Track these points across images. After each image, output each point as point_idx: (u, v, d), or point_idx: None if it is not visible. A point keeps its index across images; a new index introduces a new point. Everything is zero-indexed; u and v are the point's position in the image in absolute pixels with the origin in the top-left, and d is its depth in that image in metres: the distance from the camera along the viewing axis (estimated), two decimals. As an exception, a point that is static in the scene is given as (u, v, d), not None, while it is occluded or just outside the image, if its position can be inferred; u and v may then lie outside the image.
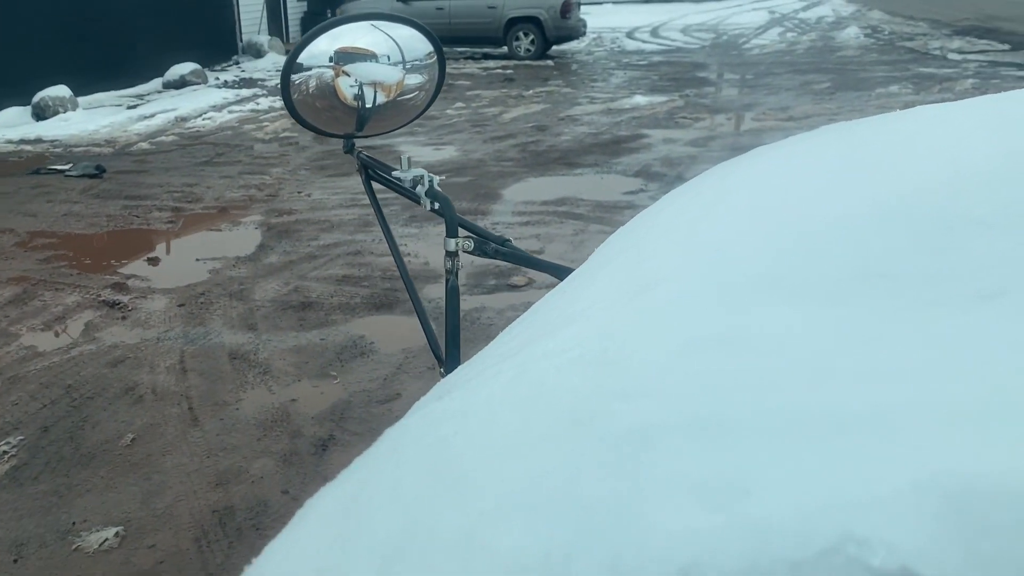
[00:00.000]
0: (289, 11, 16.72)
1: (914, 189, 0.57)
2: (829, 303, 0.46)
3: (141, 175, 7.08)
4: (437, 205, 1.37)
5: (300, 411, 3.25)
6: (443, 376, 1.08)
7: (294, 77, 1.45)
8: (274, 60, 14.31)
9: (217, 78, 12.68)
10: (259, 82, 12.48)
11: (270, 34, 15.53)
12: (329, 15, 16.18)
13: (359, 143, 1.62)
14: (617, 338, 0.49)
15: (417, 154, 7.34)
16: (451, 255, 1.33)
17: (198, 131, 9.04)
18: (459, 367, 0.66)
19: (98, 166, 7.13)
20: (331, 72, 1.46)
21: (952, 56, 13.15)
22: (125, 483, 2.81)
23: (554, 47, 15.31)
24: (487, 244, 1.34)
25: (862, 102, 9.44)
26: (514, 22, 14.67)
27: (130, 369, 3.62)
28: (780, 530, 0.32)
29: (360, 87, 1.47)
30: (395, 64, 1.49)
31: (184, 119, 9.64)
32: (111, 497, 2.73)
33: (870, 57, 13.61)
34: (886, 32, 17.41)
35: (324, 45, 1.44)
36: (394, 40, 1.49)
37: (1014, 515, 0.30)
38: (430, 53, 1.51)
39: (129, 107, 10.39)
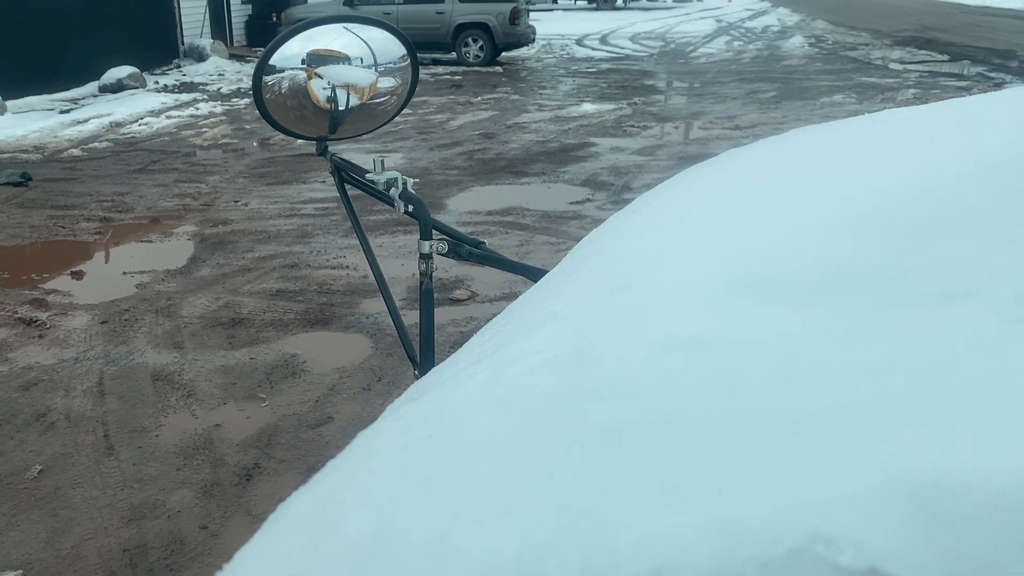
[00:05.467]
0: (233, 14, 16.32)
1: (883, 191, 0.57)
2: (800, 303, 0.46)
3: (70, 183, 6.77)
4: (411, 208, 1.36)
5: (224, 437, 3.07)
6: (418, 378, 1.06)
7: (266, 79, 1.43)
8: (217, 64, 13.95)
9: (157, 82, 12.30)
10: (200, 86, 12.15)
11: (213, 37, 15.14)
12: (274, 19, 15.86)
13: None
14: (590, 339, 0.49)
15: (363, 161, 7.15)
16: (425, 257, 1.32)
17: (134, 137, 8.73)
18: (433, 369, 0.65)
19: (24, 173, 6.80)
20: (304, 74, 1.44)
21: (894, 66, 13.38)
22: (29, 520, 2.60)
23: (503, 54, 15.21)
24: (461, 246, 1.33)
25: (807, 111, 9.51)
26: (463, 28, 14.55)
27: (43, 393, 3.39)
28: (751, 530, 0.32)
29: (333, 89, 1.46)
30: (368, 67, 1.47)
31: (119, 124, 9.30)
32: (12, 536, 2.52)
33: (814, 66, 13.78)
34: (830, 42, 17.68)
35: (297, 47, 1.43)
36: (367, 43, 1.47)
37: (981, 513, 0.31)
38: (403, 56, 1.50)
39: (62, 111, 10.00)
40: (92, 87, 11.50)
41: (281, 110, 1.46)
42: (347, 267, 4.77)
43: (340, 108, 1.48)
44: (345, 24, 1.48)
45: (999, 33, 17.76)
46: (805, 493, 0.33)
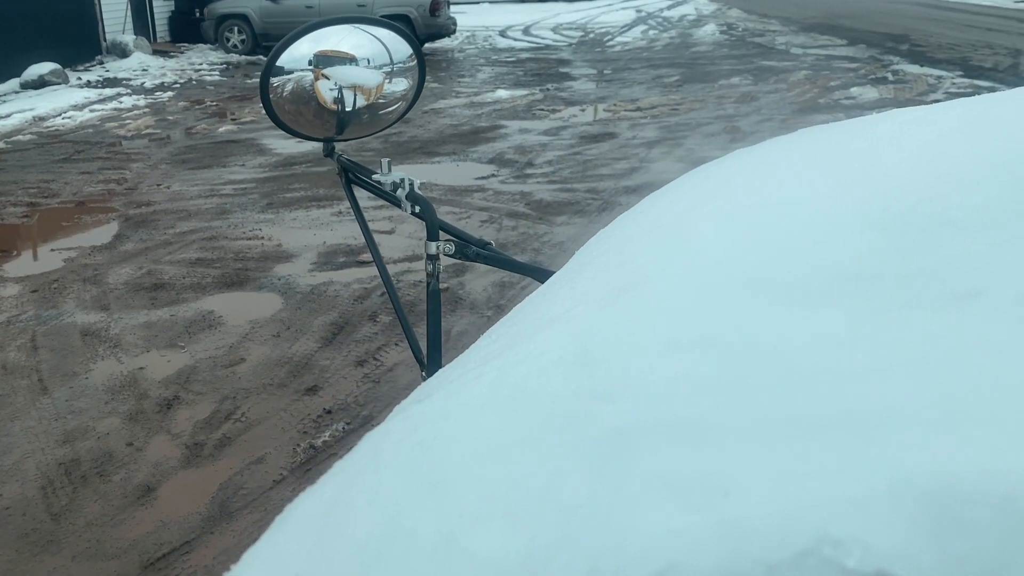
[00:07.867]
0: (156, 10, 16.40)
1: (891, 191, 0.58)
2: (808, 305, 0.46)
3: (-5, 173, 7.03)
4: (418, 208, 1.37)
5: (148, 377, 3.49)
6: (425, 379, 1.08)
7: (273, 80, 1.45)
8: (140, 60, 14.07)
9: (79, 78, 12.42)
10: (124, 81, 12.31)
11: (136, 34, 15.22)
12: (197, 14, 15.98)
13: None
14: (598, 340, 0.49)
15: (280, 145, 7.55)
16: (432, 258, 1.32)
17: (57, 130, 8.94)
18: (440, 370, 0.66)
19: (-52, 165, 7.03)
20: (311, 75, 1.46)
21: (794, 51, 14.20)
22: (-27, 446, 3.00)
23: (426, 44, 15.63)
24: (468, 247, 1.33)
25: (704, 93, 10.18)
26: (385, 20, 14.91)
27: (-20, 350, 3.76)
28: (758, 532, 0.32)
29: (340, 90, 1.47)
30: (375, 68, 1.49)
31: (42, 118, 9.49)
32: (-41, 458, 2.92)
33: (720, 52, 14.53)
34: (740, 29, 18.53)
35: (304, 48, 1.44)
36: (374, 43, 1.50)
37: (989, 516, 0.31)
38: (410, 56, 1.52)
39: (-17, 108, 10.13)
40: (13, 83, 11.59)
41: (288, 111, 1.48)
42: (262, 238, 5.19)
43: (347, 109, 1.49)
44: (353, 25, 1.50)
45: (899, 19, 18.80)
46: (812, 495, 0.33)
